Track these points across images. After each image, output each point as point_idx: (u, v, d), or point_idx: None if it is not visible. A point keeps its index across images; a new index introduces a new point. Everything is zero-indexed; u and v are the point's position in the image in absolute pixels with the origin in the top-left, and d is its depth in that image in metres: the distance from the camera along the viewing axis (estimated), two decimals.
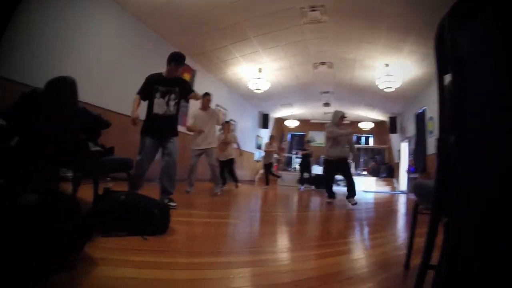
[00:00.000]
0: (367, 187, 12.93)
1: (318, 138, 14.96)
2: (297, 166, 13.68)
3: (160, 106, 3.86)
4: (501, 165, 0.76)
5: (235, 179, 7.94)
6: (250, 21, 6.85)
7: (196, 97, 4.16)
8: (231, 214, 4.28)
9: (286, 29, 7.18)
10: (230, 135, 7.48)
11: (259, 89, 10.03)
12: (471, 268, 0.77)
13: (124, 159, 3.05)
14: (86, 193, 2.77)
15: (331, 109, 13.01)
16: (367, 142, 17.04)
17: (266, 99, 12.65)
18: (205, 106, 5.97)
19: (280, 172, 13.44)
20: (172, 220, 2.66)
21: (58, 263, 1.44)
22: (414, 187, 1.70)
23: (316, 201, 6.66)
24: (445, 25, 1.14)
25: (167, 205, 3.00)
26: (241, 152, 7.88)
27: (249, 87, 10.17)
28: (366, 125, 15.40)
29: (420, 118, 9.95)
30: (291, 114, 15.83)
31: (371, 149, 16.55)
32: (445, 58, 1.16)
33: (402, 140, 12.71)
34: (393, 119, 13.35)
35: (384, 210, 6.11)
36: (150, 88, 3.90)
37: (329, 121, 6.12)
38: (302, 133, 17.47)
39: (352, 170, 14.17)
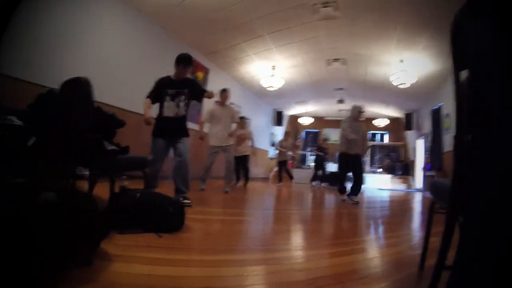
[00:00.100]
0: (382, 184, 12.80)
1: (333, 136, 14.86)
2: (312, 164, 13.64)
3: (170, 109, 3.90)
4: None
5: (246, 177, 7.93)
6: (263, 18, 6.82)
7: (210, 96, 4.17)
8: (245, 212, 4.29)
9: (299, 26, 7.14)
10: (245, 130, 7.50)
11: (272, 87, 10.01)
12: (488, 269, 0.76)
13: (139, 158, 3.09)
14: (102, 191, 2.82)
15: (345, 106, 12.98)
16: (382, 139, 16.82)
17: (280, 97, 12.62)
18: (223, 102, 6.00)
19: (294, 170, 13.41)
20: (187, 218, 2.68)
21: (75, 259, 1.47)
22: (430, 185, 1.67)
23: (330, 198, 6.62)
24: (461, 19, 1.12)
25: (182, 203, 3.02)
26: (254, 151, 7.85)
27: (263, 85, 10.15)
28: (381, 122, 15.23)
29: (436, 115, 9.78)
30: (305, 111, 15.77)
31: (386, 146, 16.33)
32: (461, 53, 1.13)
33: (418, 137, 12.52)
34: (408, 116, 13.16)
35: (399, 209, 6.03)
36: (159, 91, 3.94)
37: (344, 118, 6.05)
38: (316, 130, 17.38)
39: (367, 167, 14.13)
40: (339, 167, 6.23)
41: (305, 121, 16.47)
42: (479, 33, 0.96)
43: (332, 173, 11.38)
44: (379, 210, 5.48)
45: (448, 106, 8.70)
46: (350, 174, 5.99)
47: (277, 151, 10.28)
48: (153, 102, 3.95)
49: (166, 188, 3.86)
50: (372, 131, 15.97)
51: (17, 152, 1.69)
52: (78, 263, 1.48)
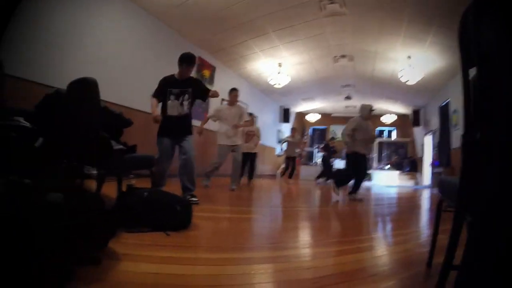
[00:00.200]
0: (390, 181, 12.73)
1: (340, 133, 14.80)
2: (319, 161, 13.60)
3: (174, 107, 3.93)
4: None
5: (251, 176, 7.92)
6: (269, 16, 6.80)
7: (214, 95, 4.17)
8: (253, 209, 4.30)
9: (305, 23, 7.11)
10: (253, 127, 7.49)
11: (279, 84, 9.99)
12: (496, 270, 0.75)
13: (146, 157, 3.10)
14: (110, 189, 2.83)
15: (352, 103, 12.92)
16: (389, 135, 16.72)
17: (287, 94, 12.60)
18: (232, 102, 6.01)
19: (301, 166, 13.38)
20: (194, 215, 2.69)
21: (84, 259, 1.48)
22: (438, 183, 1.66)
23: (335, 196, 6.59)
24: (469, 16, 1.10)
25: (189, 201, 3.03)
26: (256, 143, 7.76)
27: (269, 82, 10.13)
28: (388, 118, 15.11)
29: (444, 111, 9.70)
30: (312, 108, 15.71)
31: (394, 143, 16.21)
32: (469, 51, 1.12)
33: (426, 134, 12.43)
34: (416, 112, 13.07)
35: (407, 206, 5.99)
36: (164, 90, 3.97)
37: (354, 115, 6.00)
38: (323, 127, 17.33)
39: (375, 164, 14.07)
40: (352, 165, 6.19)
41: (312, 118, 16.41)
42: (486, 31, 0.95)
43: (339, 170, 11.34)
44: (386, 207, 5.45)
45: (456, 102, 8.63)
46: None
47: (285, 145, 10.25)
48: (159, 101, 3.98)
49: (174, 186, 3.89)
50: (379, 127, 15.87)
51: (24, 153, 1.70)
52: (86, 263, 1.49)
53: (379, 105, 13.55)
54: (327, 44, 8.26)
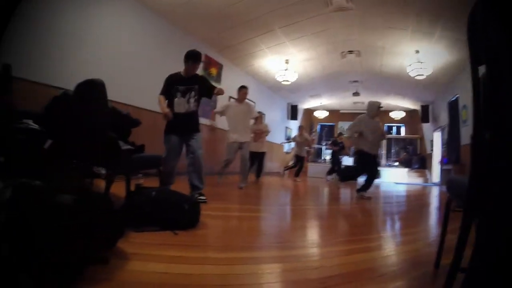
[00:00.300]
0: (399, 178, 12.63)
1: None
2: (327, 158, 13.55)
3: (181, 105, 3.92)
4: None
5: (259, 174, 7.92)
6: (274, 12, 6.76)
7: (220, 93, 4.18)
8: (261, 208, 4.30)
9: (312, 19, 7.06)
10: (261, 125, 7.49)
11: (286, 81, 9.95)
12: (504, 273, 0.74)
13: (153, 156, 3.12)
14: (119, 189, 2.85)
15: (360, 99, 12.84)
16: (398, 132, 16.58)
17: (294, 90, 12.56)
18: (241, 99, 6.02)
19: (310, 164, 13.35)
20: (202, 214, 2.71)
21: (92, 258, 1.50)
22: (447, 183, 1.64)
23: (346, 193, 6.57)
24: (477, 15, 1.09)
25: (197, 200, 3.04)
26: (266, 133, 7.70)
27: (277, 79, 10.11)
28: (397, 115, 14.99)
29: (453, 107, 9.56)
30: (320, 104, 15.65)
31: (403, 139, 16.08)
32: (478, 48, 1.10)
33: (435, 130, 12.27)
34: (425, 108, 12.90)
35: (416, 204, 5.94)
36: (170, 88, 3.97)
37: (363, 112, 5.94)
38: (331, 123, 17.26)
39: (383, 161, 13.96)
40: (357, 165, 6.15)
41: (320, 114, 16.33)
42: (494, 29, 0.93)
43: (347, 167, 11.29)
44: (395, 205, 5.42)
45: (465, 97, 8.50)
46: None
47: (293, 143, 10.24)
48: (166, 99, 3.99)
49: (182, 184, 3.91)
50: (388, 124, 15.76)
51: (33, 155, 1.72)
52: (94, 262, 1.51)
53: (387, 101, 13.46)
54: (334, 40, 8.20)
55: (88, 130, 2.07)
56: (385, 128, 15.14)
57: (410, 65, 8.49)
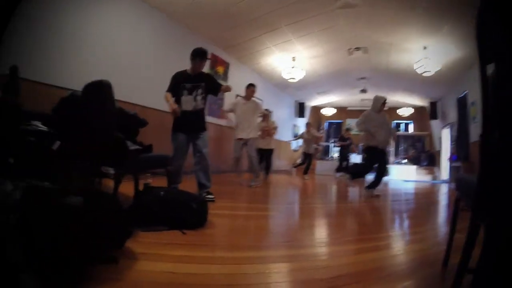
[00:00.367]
0: (408, 176, 12.54)
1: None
2: (335, 155, 13.50)
3: (188, 102, 3.94)
4: None
5: (267, 171, 7.91)
6: (280, 9, 6.74)
7: (227, 90, 4.19)
8: (269, 206, 4.30)
9: (318, 16, 7.03)
10: (269, 123, 7.49)
11: (293, 78, 9.92)
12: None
13: (161, 156, 3.14)
14: (127, 188, 2.87)
15: (368, 96, 12.75)
16: (406, 129, 16.44)
17: (301, 88, 12.52)
18: (249, 97, 6.04)
19: (318, 161, 13.31)
20: (210, 213, 2.73)
21: (101, 258, 1.51)
22: (456, 181, 1.62)
23: (354, 191, 6.54)
24: (486, 12, 1.08)
25: (205, 199, 3.06)
26: (274, 127, 7.70)
27: (284, 77, 10.07)
28: (405, 111, 14.86)
29: (462, 103, 9.46)
30: (328, 102, 15.58)
31: (411, 136, 15.93)
32: (487, 47, 1.09)
33: (444, 127, 12.16)
34: (433, 105, 12.79)
35: (424, 202, 5.90)
36: (177, 86, 3.98)
37: (366, 110, 5.91)
38: (339, 121, 17.18)
39: (392, 158, 13.87)
40: (365, 161, 6.12)
41: (328, 112, 16.26)
42: (502, 27, 0.92)
43: (355, 164, 11.23)
44: (404, 203, 5.38)
45: (474, 93, 8.41)
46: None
47: (301, 141, 10.23)
48: (173, 96, 3.99)
49: (190, 183, 3.93)
50: (396, 121, 15.66)
51: (42, 157, 1.74)
52: (104, 262, 1.52)
53: (395, 98, 13.37)
54: (341, 36, 8.16)
55: (96, 131, 2.09)
56: (393, 125, 15.07)
57: (418, 61, 8.41)
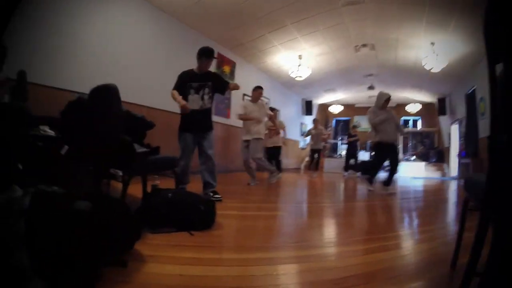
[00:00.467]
0: (416, 173, 12.44)
1: (364, 123, 14.57)
2: (343, 153, 13.43)
3: (195, 102, 3.95)
4: None
5: (279, 169, 7.90)
6: (285, 7, 6.74)
7: (235, 87, 4.20)
8: (277, 206, 4.28)
9: (324, 13, 7.00)
10: (277, 122, 7.49)
11: (300, 76, 9.90)
12: None
13: (169, 158, 3.15)
14: (135, 190, 2.89)
15: (375, 93, 12.66)
16: (415, 125, 16.28)
17: (308, 86, 12.49)
18: (256, 99, 6.06)
19: (326, 159, 13.28)
20: (218, 214, 2.73)
21: (111, 261, 1.53)
22: (464, 181, 1.60)
23: (362, 189, 6.51)
24: (493, 10, 1.06)
25: (213, 200, 3.07)
26: (284, 141, 7.81)
27: (290, 75, 10.06)
28: (413, 108, 14.73)
29: (471, 99, 9.36)
30: (335, 99, 15.51)
31: (420, 133, 15.79)
32: (495, 46, 1.08)
33: (452, 123, 12.02)
34: (441, 101, 12.66)
35: (433, 199, 5.84)
36: (183, 84, 3.99)
37: (371, 107, 5.89)
38: (347, 118, 17.11)
39: (400, 155, 13.77)
40: (374, 157, 6.10)
41: (335, 109, 16.20)
42: (509, 26, 0.91)
43: (364, 161, 11.17)
44: (412, 201, 5.34)
45: (482, 89, 8.32)
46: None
47: (308, 138, 10.22)
48: (180, 94, 4.00)
49: (198, 184, 3.96)
50: (404, 117, 15.55)
51: (51, 161, 1.75)
52: (113, 265, 1.54)
53: (403, 94, 13.28)
54: (347, 33, 8.12)
55: (103, 135, 2.10)
56: (401, 121, 14.95)
57: (425, 57, 8.34)
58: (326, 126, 16.11)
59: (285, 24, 7.49)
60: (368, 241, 2.55)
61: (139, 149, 2.48)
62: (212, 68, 4.23)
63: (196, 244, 2.13)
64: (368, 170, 5.86)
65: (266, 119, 6.29)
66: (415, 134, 15.80)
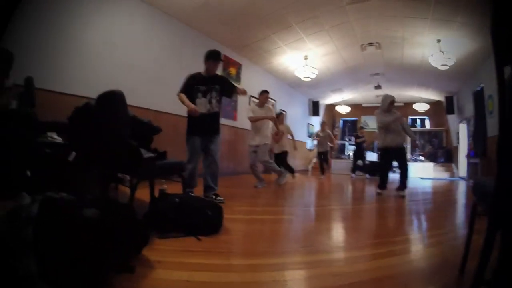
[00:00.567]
0: (424, 173, 12.31)
1: (371, 123, 14.49)
2: (351, 153, 13.35)
3: (203, 105, 3.95)
4: None
5: (291, 171, 7.86)
6: (290, 8, 6.72)
7: (243, 93, 4.19)
8: (284, 209, 4.26)
9: (329, 13, 6.98)
10: (282, 126, 7.46)
11: (307, 77, 9.86)
12: None
13: (176, 162, 3.14)
14: (143, 194, 2.90)
15: (382, 92, 12.59)
16: (422, 124, 16.12)
17: (315, 86, 12.43)
18: (262, 103, 6.07)
19: (333, 160, 13.22)
20: (225, 218, 2.73)
21: (118, 267, 1.53)
22: (472, 186, 1.57)
23: (371, 191, 6.46)
24: (500, 12, 1.05)
25: (220, 205, 3.07)
26: (295, 145, 7.76)
27: (297, 75, 10.03)
28: (420, 107, 14.54)
29: (479, 97, 9.21)
30: (342, 99, 15.43)
31: (427, 132, 15.61)
32: (504, 47, 1.06)
33: (460, 121, 11.84)
34: (449, 99, 12.47)
35: (442, 201, 5.78)
36: (191, 88, 3.98)
37: (377, 110, 5.85)
38: (354, 118, 17.03)
39: (408, 155, 13.67)
40: (381, 160, 6.06)
41: (342, 109, 16.10)
42: None
43: (372, 162, 11.10)
44: (421, 203, 5.28)
45: (490, 87, 8.20)
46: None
47: (316, 142, 10.20)
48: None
49: (202, 187, 3.98)
50: (411, 116, 15.44)
51: (59, 168, 1.77)
52: (121, 271, 1.54)
53: (410, 93, 13.19)
54: (352, 32, 8.07)
55: (110, 140, 2.11)
56: (409, 121, 14.83)
57: (432, 55, 8.26)
58: (333, 126, 16.05)
59: (290, 24, 7.47)
60: (376, 245, 2.52)
61: (146, 154, 2.49)
62: (218, 70, 4.22)
63: (204, 249, 2.13)
64: (381, 179, 5.80)
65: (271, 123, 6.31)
66: (423, 134, 15.64)
